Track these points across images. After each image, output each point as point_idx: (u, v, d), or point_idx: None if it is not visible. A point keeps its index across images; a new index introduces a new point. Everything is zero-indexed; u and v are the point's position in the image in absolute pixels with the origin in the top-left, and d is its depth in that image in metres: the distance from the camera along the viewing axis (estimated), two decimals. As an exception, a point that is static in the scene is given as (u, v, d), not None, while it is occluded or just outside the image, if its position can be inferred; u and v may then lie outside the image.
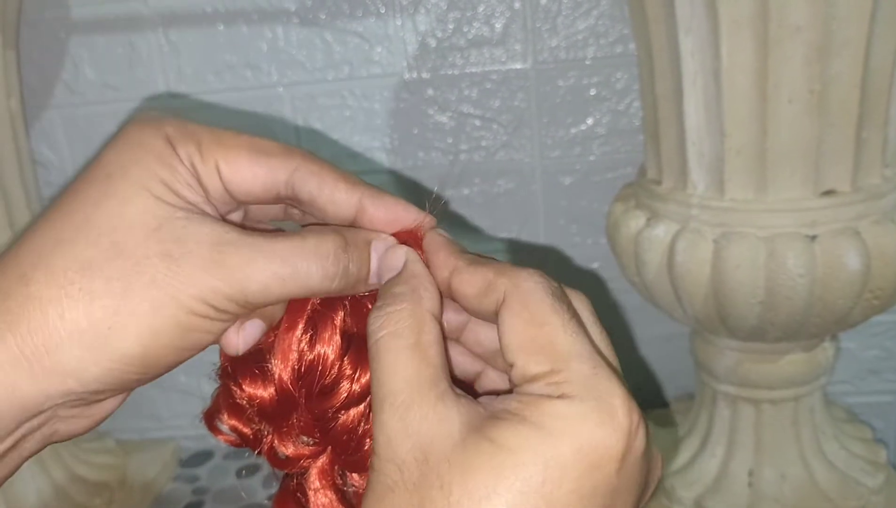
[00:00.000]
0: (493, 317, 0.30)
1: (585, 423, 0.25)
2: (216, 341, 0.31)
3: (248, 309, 0.30)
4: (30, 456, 0.31)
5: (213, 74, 0.92)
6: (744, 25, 0.61)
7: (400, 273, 0.32)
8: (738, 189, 0.66)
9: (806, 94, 0.62)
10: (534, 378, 0.27)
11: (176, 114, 0.32)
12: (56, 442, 0.32)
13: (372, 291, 0.34)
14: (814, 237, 0.64)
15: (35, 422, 0.30)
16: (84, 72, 0.93)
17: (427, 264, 0.33)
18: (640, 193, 0.75)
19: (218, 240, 0.29)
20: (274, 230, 0.36)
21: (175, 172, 0.30)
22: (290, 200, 0.33)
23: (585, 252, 0.96)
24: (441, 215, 0.35)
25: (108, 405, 0.32)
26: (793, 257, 0.63)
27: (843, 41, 0.61)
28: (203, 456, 1.04)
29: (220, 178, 0.31)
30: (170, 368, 0.31)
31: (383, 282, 0.32)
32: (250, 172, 0.31)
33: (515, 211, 0.95)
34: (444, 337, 0.31)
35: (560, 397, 0.26)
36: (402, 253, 0.33)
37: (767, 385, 0.75)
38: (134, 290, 0.28)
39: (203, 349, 0.31)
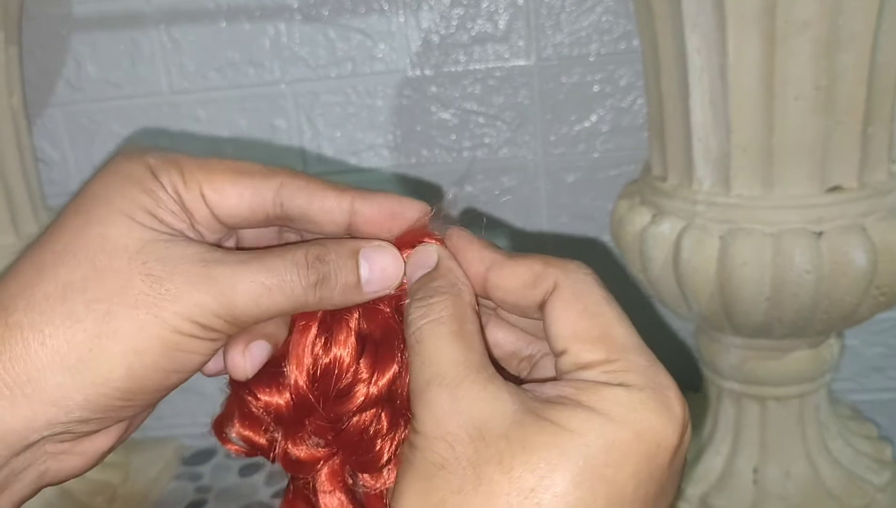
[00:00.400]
0: (534, 310, 0.30)
1: (645, 411, 0.26)
2: (205, 363, 0.31)
3: (236, 326, 0.30)
4: (22, 502, 0.30)
5: (215, 71, 0.91)
6: (750, 21, 0.61)
7: (436, 268, 0.31)
8: (744, 186, 0.66)
9: (812, 90, 0.62)
10: (588, 366, 0.27)
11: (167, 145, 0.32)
12: (49, 485, 0.31)
13: (380, 298, 0.33)
14: (820, 234, 0.64)
15: (23, 459, 0.29)
16: (86, 69, 0.92)
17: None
18: (645, 189, 0.75)
19: (202, 258, 0.29)
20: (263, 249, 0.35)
21: (158, 200, 0.30)
22: (280, 219, 0.32)
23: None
24: (454, 213, 0.34)
25: (99, 442, 0.31)
26: (799, 254, 0.63)
27: (849, 36, 0.60)
28: (205, 455, 1.03)
29: (206, 203, 0.31)
30: (157, 394, 0.30)
31: (414, 280, 0.32)
32: (235, 193, 0.31)
33: (519, 208, 0.94)
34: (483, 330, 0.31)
35: (619, 384, 0.26)
36: (434, 250, 0.32)
37: (773, 382, 0.75)
38: (116, 311, 0.28)
39: (192, 373, 0.30)
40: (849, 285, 0.64)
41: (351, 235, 0.33)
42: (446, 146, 0.93)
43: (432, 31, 0.89)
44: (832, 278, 0.64)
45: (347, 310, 0.33)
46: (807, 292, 0.64)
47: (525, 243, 0.96)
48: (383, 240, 0.33)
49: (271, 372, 0.33)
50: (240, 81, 0.92)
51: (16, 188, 0.84)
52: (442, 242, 0.33)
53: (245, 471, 0.99)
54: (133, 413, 0.30)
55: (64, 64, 0.93)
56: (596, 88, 0.90)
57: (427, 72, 0.90)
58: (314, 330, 0.32)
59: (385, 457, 0.34)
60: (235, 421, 0.34)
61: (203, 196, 0.31)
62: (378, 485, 0.34)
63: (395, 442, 0.33)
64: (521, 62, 0.89)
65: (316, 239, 0.32)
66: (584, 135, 0.91)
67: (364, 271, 0.32)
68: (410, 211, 0.32)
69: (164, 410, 1.04)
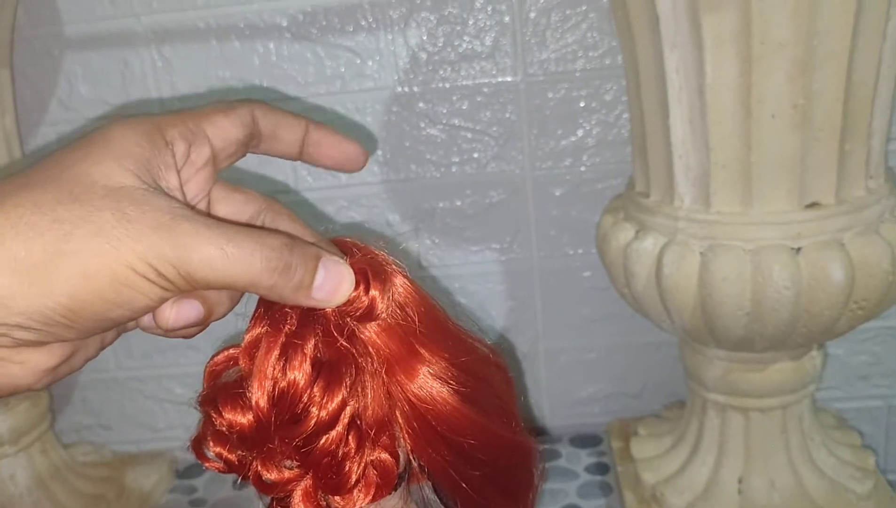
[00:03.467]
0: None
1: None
2: (153, 308, 0.32)
3: (188, 283, 0.31)
4: None
5: (205, 88, 0.93)
6: (727, 41, 0.62)
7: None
8: (723, 202, 0.67)
9: (789, 108, 0.63)
10: None
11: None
12: None
13: (334, 319, 0.35)
14: (799, 250, 0.65)
15: None
16: (78, 88, 0.93)
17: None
18: (628, 205, 0.76)
19: (172, 211, 0.31)
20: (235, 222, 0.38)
21: (154, 154, 0.33)
22: (256, 138, 0.38)
23: (576, 262, 0.97)
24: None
25: (41, 356, 0.32)
26: (778, 270, 0.64)
27: (825, 56, 0.62)
28: (199, 467, 1.04)
29: (210, 141, 0.36)
30: (98, 323, 0.31)
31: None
32: (229, 123, 0.37)
33: (507, 222, 0.95)
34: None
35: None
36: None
37: (756, 394, 0.76)
38: (77, 233, 0.29)
39: (136, 312, 0.31)
40: (827, 300, 0.65)
41: (303, 158, 0.39)
42: (435, 162, 0.94)
43: (420, 48, 0.90)
44: (811, 293, 0.65)
45: (304, 336, 0.34)
46: (786, 306, 0.65)
47: (518, 257, 0.97)
48: (343, 258, 0.35)
49: (236, 392, 0.34)
50: (230, 98, 0.93)
51: (9, 207, 0.85)
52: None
53: (239, 484, 1.00)
54: (75, 337, 0.31)
55: (56, 83, 0.94)
56: (582, 104, 0.91)
57: (415, 88, 0.91)
58: (276, 352, 0.33)
59: (353, 478, 0.35)
60: (208, 439, 0.36)
61: (208, 137, 0.36)
62: (349, 507, 0.36)
63: (363, 464, 0.35)
64: (508, 78, 0.91)
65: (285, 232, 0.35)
66: (571, 149, 0.92)
67: (319, 278, 0.34)
68: (351, 147, 0.39)
69: (157, 423, 1.06)
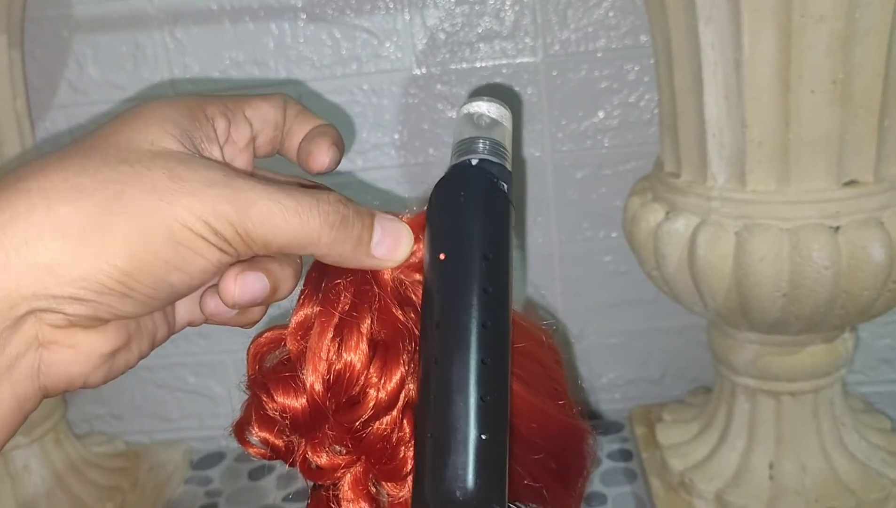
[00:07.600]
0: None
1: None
2: (212, 274, 0.30)
3: (245, 243, 0.29)
4: (24, 402, 0.28)
5: (219, 71, 0.91)
6: (766, 15, 0.60)
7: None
8: (759, 181, 0.65)
9: (829, 84, 0.61)
10: None
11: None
12: (48, 392, 0.29)
13: (393, 283, 0.33)
14: (837, 228, 0.64)
15: (16, 340, 0.27)
16: (88, 71, 0.91)
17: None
18: (657, 186, 0.74)
19: (225, 170, 0.30)
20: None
21: (197, 125, 0.32)
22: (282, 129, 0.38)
23: (598, 245, 0.95)
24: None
25: (94, 339, 0.30)
26: (817, 249, 0.63)
27: (865, 30, 0.60)
28: (215, 458, 1.03)
29: (248, 121, 0.35)
30: (156, 290, 0.29)
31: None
32: (267, 105, 0.36)
33: (527, 205, 0.94)
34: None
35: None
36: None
37: (787, 378, 0.74)
38: (130, 193, 0.28)
39: (194, 278, 0.29)
40: (866, 280, 0.64)
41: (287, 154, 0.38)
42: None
43: (438, 28, 0.88)
44: (850, 272, 0.63)
45: (360, 314, 0.32)
46: (825, 287, 0.64)
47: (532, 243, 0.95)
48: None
49: (288, 375, 0.32)
50: (244, 81, 0.91)
51: (20, 193, 0.83)
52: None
53: (255, 474, 0.98)
54: (131, 310, 0.29)
55: (66, 66, 0.92)
56: (603, 84, 0.89)
57: (433, 70, 0.90)
58: (330, 333, 0.32)
59: (409, 465, 0.33)
60: (254, 424, 0.34)
61: (247, 118, 0.35)
62: (402, 494, 0.34)
63: None
64: (528, 59, 0.89)
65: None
66: (592, 131, 0.91)
67: (377, 235, 0.32)
68: (326, 159, 0.36)
69: (171, 413, 1.05)
